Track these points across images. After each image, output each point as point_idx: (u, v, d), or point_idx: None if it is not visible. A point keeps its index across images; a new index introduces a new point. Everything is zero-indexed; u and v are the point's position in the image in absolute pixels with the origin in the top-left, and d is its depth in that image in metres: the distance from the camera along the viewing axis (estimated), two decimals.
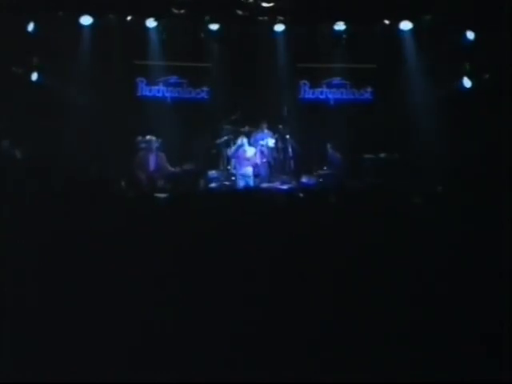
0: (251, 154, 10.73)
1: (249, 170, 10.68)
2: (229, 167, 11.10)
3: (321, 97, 12.59)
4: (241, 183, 10.41)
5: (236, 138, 11.16)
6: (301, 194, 9.49)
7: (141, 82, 12.26)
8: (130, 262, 3.60)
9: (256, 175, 10.77)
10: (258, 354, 3.22)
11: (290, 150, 11.17)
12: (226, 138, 11.22)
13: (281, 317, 3.34)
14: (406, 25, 12.03)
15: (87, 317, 3.32)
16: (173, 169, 10.31)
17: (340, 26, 12.09)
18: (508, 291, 3.24)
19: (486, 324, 3.19)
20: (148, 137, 10.59)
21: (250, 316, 3.33)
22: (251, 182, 10.45)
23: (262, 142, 11.21)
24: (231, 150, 10.90)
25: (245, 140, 10.73)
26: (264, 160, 11.04)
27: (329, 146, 11.05)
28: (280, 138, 11.30)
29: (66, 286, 3.44)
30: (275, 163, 11.15)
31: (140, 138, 10.66)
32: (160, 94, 12.34)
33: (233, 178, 10.84)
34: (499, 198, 4.11)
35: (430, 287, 3.33)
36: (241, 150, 10.71)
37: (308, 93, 12.56)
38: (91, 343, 3.21)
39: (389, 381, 3.12)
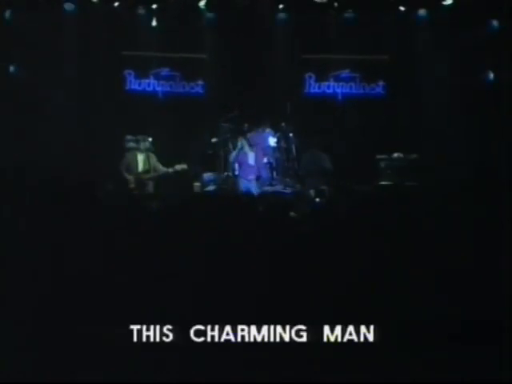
0: (253, 158, 11.04)
1: (251, 175, 10.97)
2: (226, 169, 11.33)
3: (328, 91, 12.91)
4: (243, 189, 10.70)
5: (234, 137, 11.40)
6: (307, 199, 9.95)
7: (129, 75, 12.57)
8: (119, 270, 4.06)
9: (257, 178, 11.05)
10: (258, 354, 3.72)
11: (293, 150, 11.43)
12: (223, 137, 11.42)
13: (281, 319, 3.83)
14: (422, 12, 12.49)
15: (83, 318, 3.80)
16: (165, 171, 10.50)
17: (349, 12, 12.50)
18: (508, 291, 3.73)
19: (486, 324, 3.69)
20: (137, 136, 10.76)
21: (250, 318, 3.81)
22: (254, 188, 10.75)
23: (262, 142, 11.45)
24: (232, 155, 11.19)
25: (244, 142, 11.05)
26: (265, 161, 11.29)
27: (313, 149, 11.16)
28: (283, 137, 11.52)
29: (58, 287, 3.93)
30: (277, 165, 11.40)
31: (128, 136, 10.86)
32: (150, 88, 12.65)
33: (231, 181, 11.09)
34: None
35: (431, 287, 3.83)
36: (242, 154, 11.02)
37: (314, 87, 12.89)
38: (90, 343, 3.70)
39: (389, 381, 3.61)
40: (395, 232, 4.24)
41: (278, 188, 10.79)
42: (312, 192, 10.30)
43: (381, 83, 12.86)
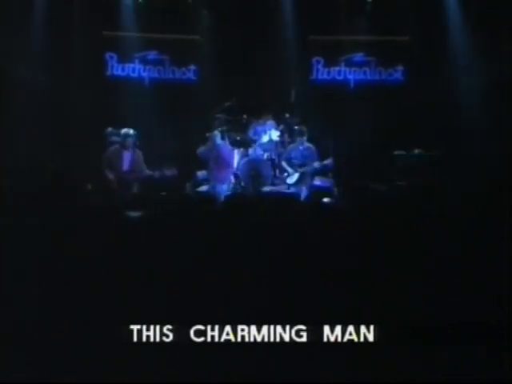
0: (230, 153, 11.28)
1: (227, 175, 11.24)
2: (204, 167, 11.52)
3: (338, 78, 13.43)
4: (216, 191, 10.66)
5: (232, 129, 11.86)
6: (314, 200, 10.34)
7: (111, 59, 13.12)
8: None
9: (235, 177, 11.45)
10: (258, 354, 4.49)
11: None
12: (219, 129, 11.73)
13: (281, 319, 4.60)
14: None
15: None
16: (151, 171, 10.42)
17: None
18: (508, 290, 4.52)
19: (486, 324, 4.47)
20: (120, 128, 10.81)
21: (250, 318, 4.58)
22: (228, 191, 10.87)
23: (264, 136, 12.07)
24: (204, 149, 11.27)
25: (217, 135, 11.14)
26: (266, 157, 11.83)
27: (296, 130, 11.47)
28: (286, 130, 12.04)
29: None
30: (280, 161, 11.82)
31: (110, 129, 11.32)
32: (135, 74, 13.21)
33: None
34: None
35: (431, 288, 4.61)
36: (216, 149, 11.16)
37: (322, 72, 13.40)
38: (90, 343, 4.46)
39: (389, 381, 4.39)
40: (395, 232, 5.00)
41: (281, 188, 11.36)
42: (304, 190, 10.77)
43: (400, 68, 13.33)
